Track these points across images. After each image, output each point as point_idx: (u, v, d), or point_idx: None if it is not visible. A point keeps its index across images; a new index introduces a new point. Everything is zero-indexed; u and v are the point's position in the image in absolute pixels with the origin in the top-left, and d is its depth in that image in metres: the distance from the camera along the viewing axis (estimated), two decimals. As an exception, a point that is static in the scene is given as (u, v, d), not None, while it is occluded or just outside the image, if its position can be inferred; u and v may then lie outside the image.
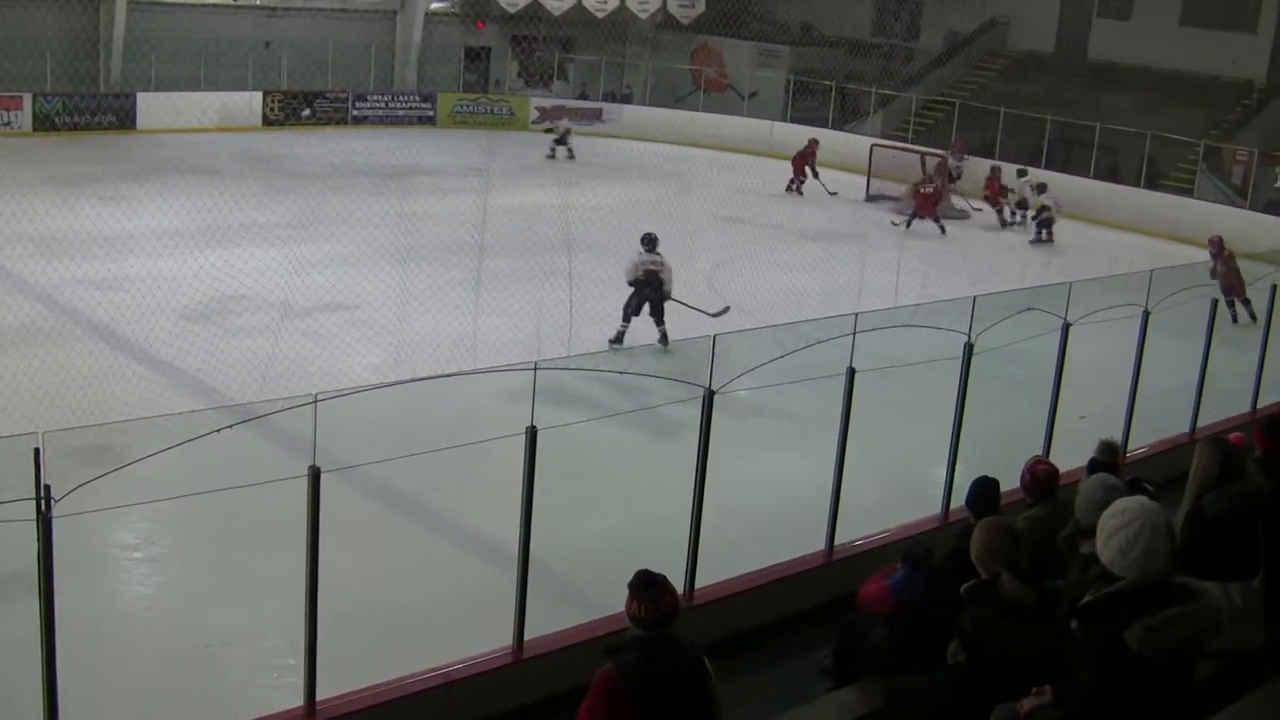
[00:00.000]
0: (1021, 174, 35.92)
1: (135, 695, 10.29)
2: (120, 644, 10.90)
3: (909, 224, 33.36)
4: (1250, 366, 16.37)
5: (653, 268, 20.57)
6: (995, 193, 35.66)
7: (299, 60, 41.21)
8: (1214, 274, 22.13)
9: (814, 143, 37.15)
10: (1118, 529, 5.59)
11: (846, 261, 27.98)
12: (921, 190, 33.64)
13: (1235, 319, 22.74)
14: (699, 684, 6.45)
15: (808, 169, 36.54)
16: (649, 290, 20.55)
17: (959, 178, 37.26)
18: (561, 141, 39.51)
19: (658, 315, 20.50)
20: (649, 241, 20.92)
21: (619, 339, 20.36)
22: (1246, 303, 23.01)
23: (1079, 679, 5.73)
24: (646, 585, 6.47)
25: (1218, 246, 24.77)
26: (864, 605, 8.76)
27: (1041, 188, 34.18)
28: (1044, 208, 33.54)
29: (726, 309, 20.94)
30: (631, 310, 20.56)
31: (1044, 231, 33.49)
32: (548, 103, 45.41)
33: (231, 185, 27.26)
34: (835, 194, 35.69)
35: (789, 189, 36.54)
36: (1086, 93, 40.92)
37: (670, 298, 20.62)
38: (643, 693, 6.28)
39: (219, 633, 11.23)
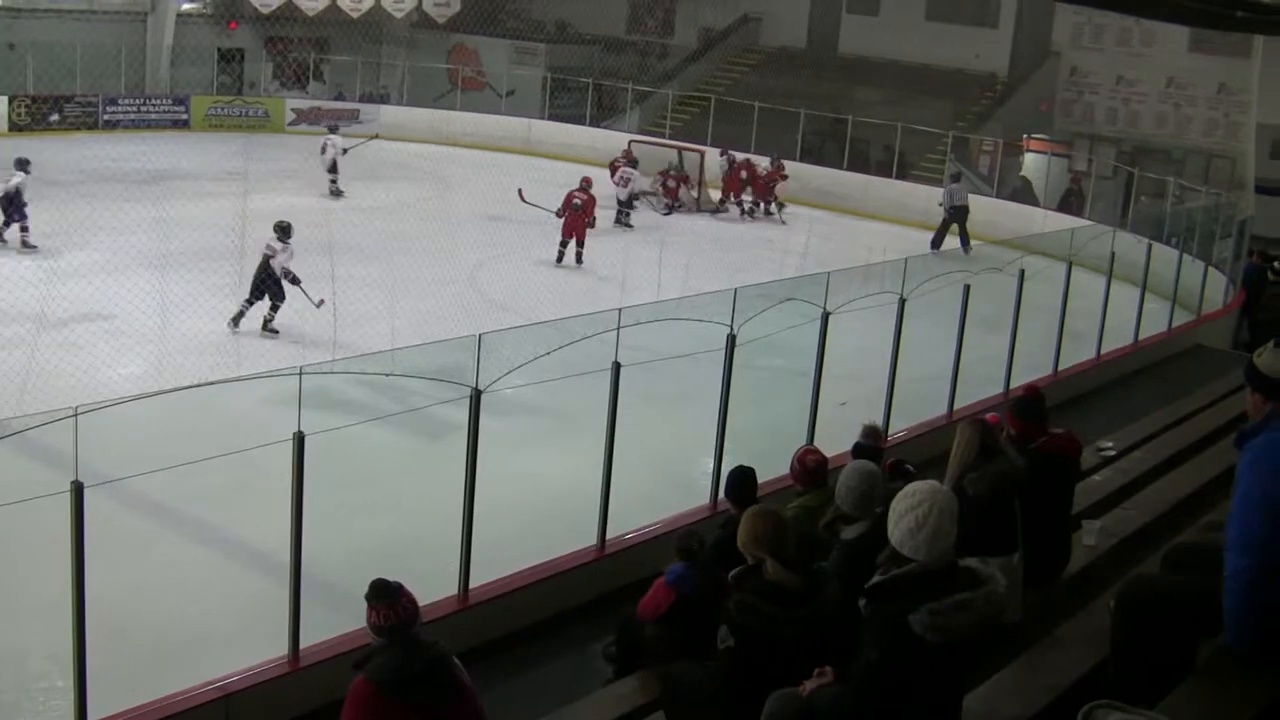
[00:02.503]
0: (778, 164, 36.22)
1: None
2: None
3: (670, 211, 33.98)
4: (1001, 349, 16.95)
5: (268, 253, 21.32)
6: (735, 186, 35.95)
7: (46, 63, 39.97)
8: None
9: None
10: (907, 510, 5.70)
11: (609, 257, 28.13)
12: (668, 181, 34.45)
13: None
14: (451, 677, 6.48)
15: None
16: (267, 274, 21.21)
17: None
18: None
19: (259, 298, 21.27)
20: (280, 231, 21.71)
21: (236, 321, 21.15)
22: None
23: (864, 658, 5.86)
24: (382, 593, 6.46)
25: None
26: (647, 618, 8.82)
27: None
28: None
29: (322, 302, 21.38)
30: (255, 296, 21.25)
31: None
32: (304, 104, 44.82)
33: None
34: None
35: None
36: (838, 86, 41.80)
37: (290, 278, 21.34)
38: (400, 695, 6.29)
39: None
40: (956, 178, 34.01)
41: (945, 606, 5.57)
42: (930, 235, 32.53)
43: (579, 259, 27.94)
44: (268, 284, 21.19)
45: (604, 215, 29.72)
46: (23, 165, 24.53)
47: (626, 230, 32.50)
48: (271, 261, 21.18)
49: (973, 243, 30.24)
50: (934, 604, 5.56)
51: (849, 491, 7.72)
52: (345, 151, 34.25)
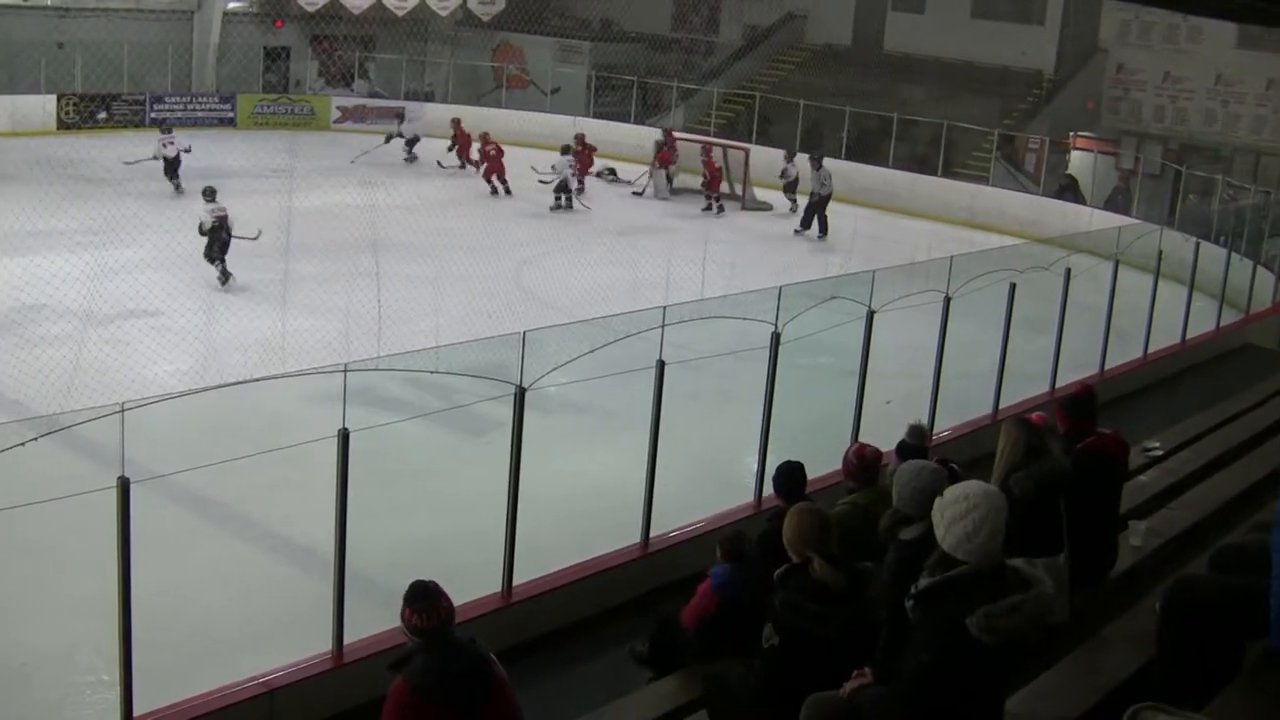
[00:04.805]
0: (790, 157, 36.01)
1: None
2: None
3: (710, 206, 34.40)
4: (1046, 348, 16.86)
5: (220, 213, 23.46)
6: (714, 175, 35.76)
7: (94, 62, 40.18)
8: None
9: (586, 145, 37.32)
10: (962, 515, 5.68)
11: (652, 255, 28.13)
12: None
13: None
14: (489, 677, 6.48)
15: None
16: (223, 233, 23.33)
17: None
18: (406, 140, 38.99)
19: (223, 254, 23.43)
20: (210, 194, 23.89)
21: (226, 278, 23.27)
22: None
23: (914, 660, 5.83)
24: (420, 595, 6.46)
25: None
26: (690, 625, 8.77)
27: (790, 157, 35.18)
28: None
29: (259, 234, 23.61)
30: (217, 254, 23.31)
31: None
32: (349, 102, 44.95)
33: (26, 191, 26.57)
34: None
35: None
36: (883, 84, 41.65)
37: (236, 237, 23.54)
38: (439, 695, 6.30)
39: (29, 652, 10.96)
40: (819, 162, 33.71)
41: (1001, 608, 5.55)
42: (975, 234, 32.32)
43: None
44: (224, 244, 23.40)
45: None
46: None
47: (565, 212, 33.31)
48: (229, 218, 23.54)
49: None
50: (990, 606, 5.53)
51: (913, 492, 7.49)
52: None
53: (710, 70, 47.47)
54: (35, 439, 8.26)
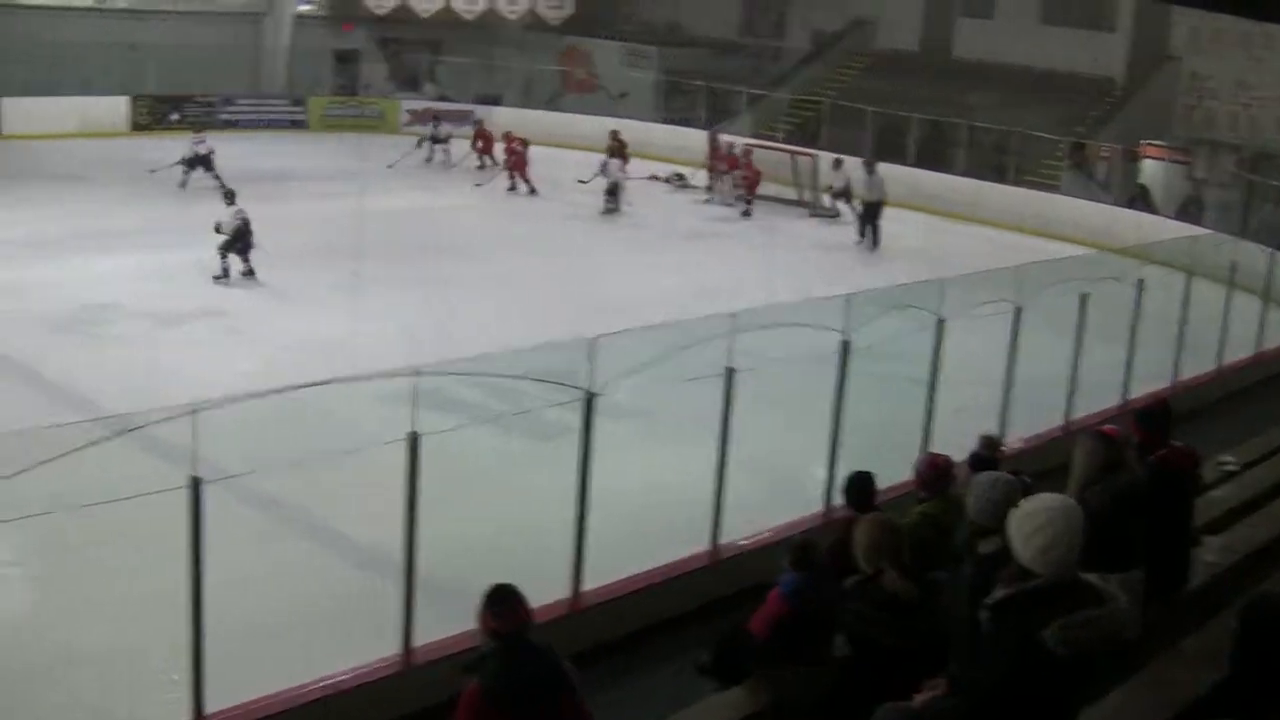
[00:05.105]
0: (838, 164, 35.58)
1: (16, 715, 10.11)
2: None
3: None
4: (1117, 359, 16.71)
5: (244, 217, 23.34)
6: (753, 178, 35.50)
7: (166, 64, 40.58)
8: None
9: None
10: (1038, 528, 5.65)
11: (721, 261, 28.11)
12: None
13: None
14: (560, 683, 6.47)
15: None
16: (249, 236, 23.29)
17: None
18: (442, 141, 39.11)
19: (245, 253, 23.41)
20: (230, 197, 23.85)
21: (225, 274, 23.22)
22: None
23: (987, 672, 5.79)
24: (500, 599, 6.45)
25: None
26: (762, 631, 8.71)
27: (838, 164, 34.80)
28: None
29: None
30: (238, 252, 23.32)
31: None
32: (418, 105, 45.13)
33: (99, 191, 26.92)
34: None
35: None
36: (952, 91, 41.39)
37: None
38: (512, 701, 6.29)
39: (101, 650, 11.04)
40: (871, 168, 32.86)
41: (1076, 621, 5.51)
42: (1045, 243, 32.07)
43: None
44: (247, 246, 23.31)
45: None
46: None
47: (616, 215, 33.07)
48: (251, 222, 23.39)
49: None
50: (1066, 619, 5.49)
51: (989, 504, 7.39)
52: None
53: (778, 76, 47.35)
54: (108, 438, 8.33)
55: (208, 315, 20.90)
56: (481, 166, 37.72)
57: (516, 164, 35.38)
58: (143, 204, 27.74)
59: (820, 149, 37.87)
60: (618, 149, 36.41)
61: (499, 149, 36.87)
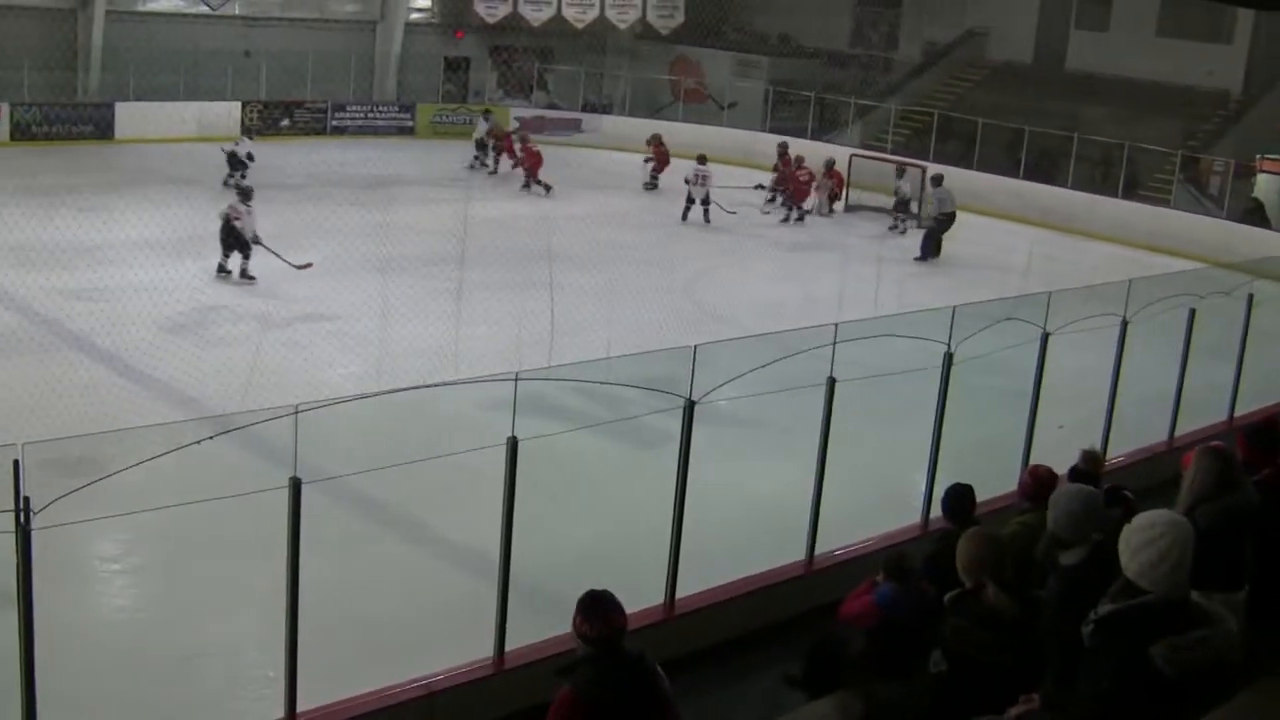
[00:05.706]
0: (901, 173, 35.23)
1: (113, 707, 10.24)
2: (99, 656, 10.82)
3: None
4: (1225, 376, 16.46)
5: (238, 216, 23.54)
6: (802, 187, 35.14)
7: (278, 70, 41.13)
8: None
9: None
10: (1148, 543, 5.57)
11: (825, 271, 28.01)
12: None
13: None
14: (653, 690, 6.44)
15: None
16: (238, 235, 23.46)
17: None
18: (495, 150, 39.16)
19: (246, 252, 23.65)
20: (245, 194, 24.31)
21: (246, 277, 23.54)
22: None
23: (1092, 687, 5.71)
24: (594, 604, 6.42)
25: None
26: (846, 622, 8.71)
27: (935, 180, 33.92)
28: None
29: (309, 264, 23.33)
30: (234, 247, 23.54)
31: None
32: (528, 113, 45.34)
33: (210, 196, 27.21)
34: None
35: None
36: (1064, 103, 40.94)
37: (259, 243, 23.64)
38: (605, 708, 6.27)
39: (198, 645, 11.17)
40: (939, 181, 32.47)
41: (1188, 641, 5.42)
42: (1156, 257, 31.66)
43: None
44: (230, 240, 23.50)
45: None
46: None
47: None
48: (235, 224, 23.46)
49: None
50: (1176, 638, 5.40)
51: (1066, 515, 7.36)
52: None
53: (888, 87, 47.10)
54: (212, 437, 8.43)
55: (316, 319, 21.10)
56: (493, 172, 38.05)
57: (531, 164, 35.58)
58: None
59: (927, 161, 37.59)
60: (657, 148, 37.11)
61: (517, 150, 36.98)
